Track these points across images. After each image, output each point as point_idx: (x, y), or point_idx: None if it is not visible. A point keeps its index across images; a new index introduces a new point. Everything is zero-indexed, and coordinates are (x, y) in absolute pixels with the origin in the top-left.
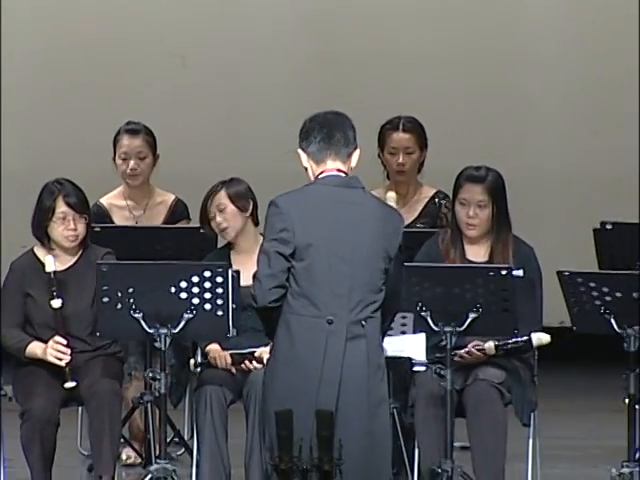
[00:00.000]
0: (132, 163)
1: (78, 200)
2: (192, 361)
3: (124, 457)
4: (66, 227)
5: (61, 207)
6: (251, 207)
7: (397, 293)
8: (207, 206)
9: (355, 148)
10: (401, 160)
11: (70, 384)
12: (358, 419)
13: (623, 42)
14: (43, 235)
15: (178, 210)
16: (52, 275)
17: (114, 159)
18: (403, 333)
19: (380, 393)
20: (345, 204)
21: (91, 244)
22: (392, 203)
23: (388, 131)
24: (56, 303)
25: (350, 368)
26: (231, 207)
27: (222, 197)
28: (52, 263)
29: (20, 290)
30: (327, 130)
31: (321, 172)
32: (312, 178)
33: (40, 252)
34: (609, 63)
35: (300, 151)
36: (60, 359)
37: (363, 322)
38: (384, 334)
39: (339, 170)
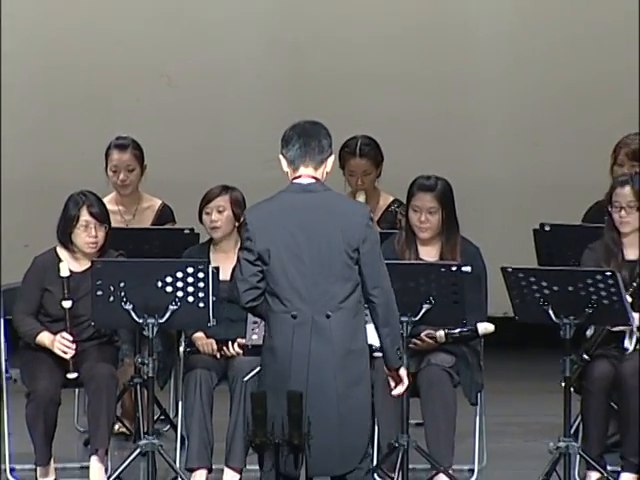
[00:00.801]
0: (122, 175)
1: (100, 210)
2: (181, 348)
3: (116, 427)
4: (88, 234)
5: (84, 216)
6: (242, 218)
7: (376, 277)
8: (209, 202)
9: (329, 155)
10: (360, 182)
11: (72, 375)
12: (327, 400)
13: (560, 66)
14: (67, 240)
15: (164, 214)
16: (65, 280)
17: (106, 170)
18: (365, 323)
19: (352, 376)
20: (304, 209)
21: (108, 249)
22: (362, 201)
23: (347, 155)
24: (67, 304)
25: (316, 356)
26: (229, 212)
27: (225, 200)
28: (66, 269)
29: (38, 284)
30: (304, 138)
31: (294, 176)
32: (290, 177)
33: (62, 253)
34: (547, 85)
35: (281, 156)
36: (65, 352)
37: (329, 313)
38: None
39: (310, 176)
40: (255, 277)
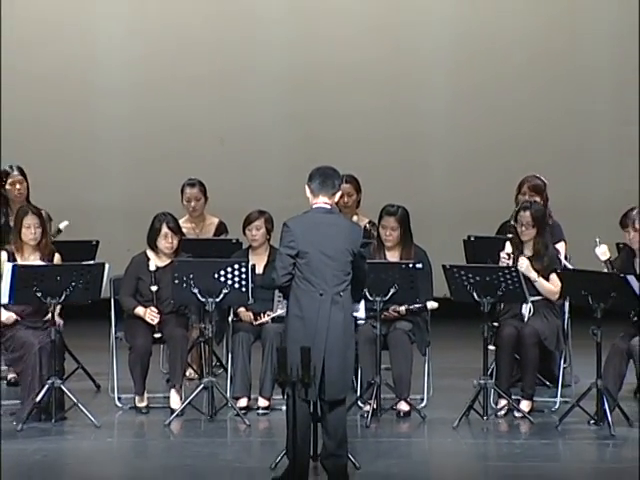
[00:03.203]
0: (193, 204)
1: (175, 225)
2: (230, 318)
3: (188, 373)
4: (167, 241)
5: (164, 229)
6: (271, 232)
7: (363, 271)
8: (250, 223)
9: (338, 189)
10: (345, 200)
11: (157, 335)
12: (337, 350)
13: (483, 129)
14: (153, 245)
15: (221, 228)
16: (153, 272)
17: (182, 201)
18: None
19: (351, 333)
20: (326, 224)
21: (181, 252)
22: None
23: None
24: (154, 288)
25: (334, 321)
26: (263, 229)
27: (261, 221)
28: (154, 265)
29: (135, 275)
30: (323, 177)
31: (315, 203)
32: (311, 203)
33: (150, 254)
34: (473, 141)
35: (307, 186)
36: (153, 320)
37: (341, 293)
38: (359, 300)
39: (325, 202)
40: (291, 266)
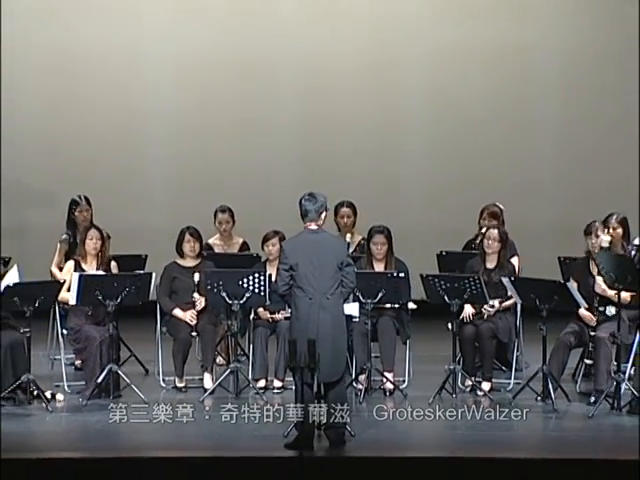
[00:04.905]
0: (224, 226)
1: (196, 233)
2: (251, 316)
3: (218, 360)
4: (190, 245)
5: (187, 236)
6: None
7: (352, 274)
8: (267, 240)
9: (322, 213)
10: (345, 221)
11: (194, 333)
12: (327, 343)
13: (451, 162)
14: (180, 251)
15: (244, 247)
16: (196, 281)
17: (214, 223)
18: (346, 302)
19: (340, 329)
20: (313, 241)
21: (205, 260)
22: (349, 239)
23: (339, 207)
24: (196, 295)
25: (322, 321)
26: (278, 245)
27: (276, 239)
28: (197, 276)
29: (169, 277)
30: (310, 204)
31: (306, 225)
32: (303, 225)
33: (179, 261)
34: (445, 173)
35: (299, 208)
36: (192, 321)
37: (328, 297)
38: (352, 290)
39: (314, 223)
40: (288, 278)
